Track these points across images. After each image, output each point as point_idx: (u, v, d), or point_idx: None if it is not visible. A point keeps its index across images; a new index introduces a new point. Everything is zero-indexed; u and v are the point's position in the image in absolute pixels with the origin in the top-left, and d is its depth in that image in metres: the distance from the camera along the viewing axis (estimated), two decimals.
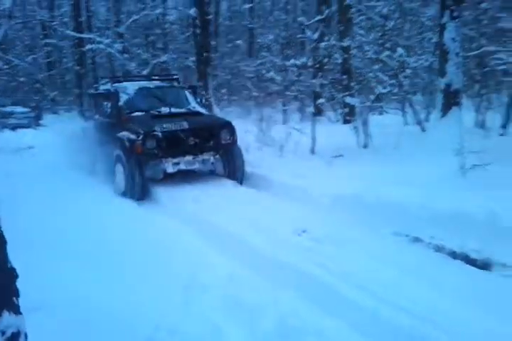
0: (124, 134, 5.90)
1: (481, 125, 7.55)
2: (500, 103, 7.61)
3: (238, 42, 18.19)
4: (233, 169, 6.31)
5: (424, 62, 7.75)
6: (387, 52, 7.56)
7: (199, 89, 8.20)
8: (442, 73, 7.04)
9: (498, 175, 4.54)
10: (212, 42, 15.27)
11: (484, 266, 3.18)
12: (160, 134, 5.75)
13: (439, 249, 3.50)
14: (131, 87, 6.80)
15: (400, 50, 7.17)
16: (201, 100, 8.39)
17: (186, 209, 5.14)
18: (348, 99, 7.68)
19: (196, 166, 6.15)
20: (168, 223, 4.68)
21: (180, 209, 5.20)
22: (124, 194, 5.84)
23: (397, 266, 3.23)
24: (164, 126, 5.86)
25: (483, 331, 2.39)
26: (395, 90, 7.68)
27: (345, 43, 8.43)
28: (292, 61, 8.18)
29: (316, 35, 7.51)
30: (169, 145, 5.88)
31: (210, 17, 13.49)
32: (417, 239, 3.73)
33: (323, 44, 7.63)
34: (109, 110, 6.77)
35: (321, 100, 8.93)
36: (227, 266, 3.46)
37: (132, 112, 6.39)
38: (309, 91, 9.52)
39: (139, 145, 5.65)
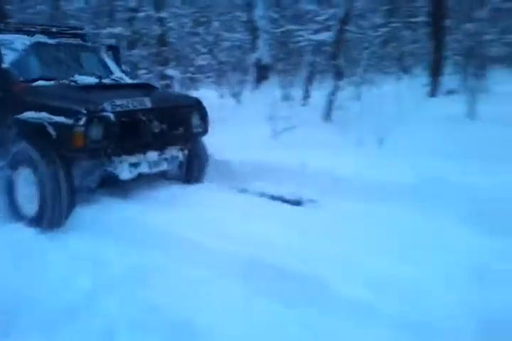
0: (37, 116, 3.54)
1: (286, 97, 8.62)
2: (302, 79, 8.79)
3: (40, 7, 16.35)
4: (197, 170, 4.53)
5: (236, 39, 8.38)
6: (202, 27, 7.95)
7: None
8: (253, 49, 7.80)
9: (302, 136, 5.48)
10: (7, 7, 13.45)
11: (297, 203, 3.90)
12: (112, 116, 3.50)
13: (262, 195, 4.10)
14: (17, 41, 4.30)
15: (214, 24, 7.64)
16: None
17: None
18: (169, 71, 7.87)
19: (164, 167, 4.05)
20: None
21: None
22: (32, 221, 3.50)
23: (226, 209, 3.65)
24: (118, 103, 3.61)
25: (299, 244, 2.97)
26: (213, 62, 8.16)
27: (162, 15, 8.50)
28: (109, 30, 7.92)
29: (133, 4, 7.43)
30: (124, 134, 3.65)
31: None
32: (244, 190, 4.28)
33: (141, 14, 7.59)
34: None
35: (141, 72, 8.90)
36: None
37: (31, 81, 3.98)
38: (128, 63, 9.33)
39: (81, 134, 3.36)
